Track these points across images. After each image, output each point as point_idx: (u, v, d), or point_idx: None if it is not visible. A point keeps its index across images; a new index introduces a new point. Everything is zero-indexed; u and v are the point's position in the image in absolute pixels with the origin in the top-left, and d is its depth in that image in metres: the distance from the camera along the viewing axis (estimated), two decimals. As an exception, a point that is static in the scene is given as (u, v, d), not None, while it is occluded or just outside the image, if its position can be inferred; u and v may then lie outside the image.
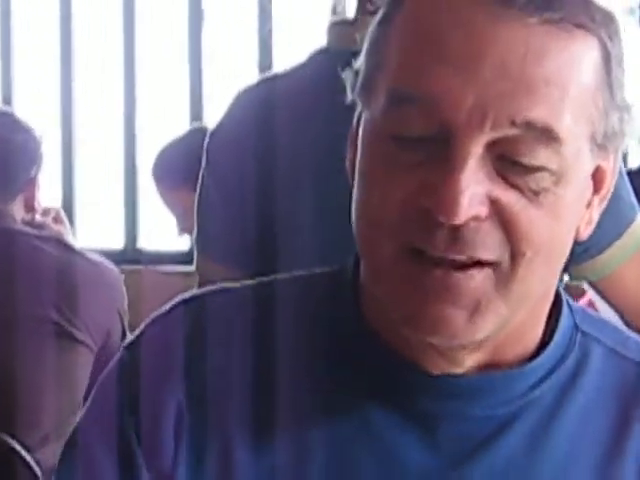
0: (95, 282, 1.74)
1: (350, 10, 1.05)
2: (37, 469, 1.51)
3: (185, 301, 0.63)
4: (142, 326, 0.64)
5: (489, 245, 0.51)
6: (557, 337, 0.60)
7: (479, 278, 0.51)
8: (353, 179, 0.58)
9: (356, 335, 0.60)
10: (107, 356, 1.63)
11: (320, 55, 1.12)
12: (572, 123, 0.51)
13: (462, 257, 0.51)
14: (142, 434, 0.59)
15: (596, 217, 0.58)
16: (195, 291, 0.69)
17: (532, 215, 0.51)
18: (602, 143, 0.53)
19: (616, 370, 0.62)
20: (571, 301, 0.64)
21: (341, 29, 1.09)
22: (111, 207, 3.24)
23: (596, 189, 0.56)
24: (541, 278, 0.54)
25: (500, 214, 0.51)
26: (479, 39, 0.50)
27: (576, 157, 0.52)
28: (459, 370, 0.57)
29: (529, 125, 0.50)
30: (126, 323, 1.78)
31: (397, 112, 0.52)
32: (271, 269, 0.87)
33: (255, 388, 0.59)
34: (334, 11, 1.22)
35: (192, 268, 1.27)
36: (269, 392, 0.59)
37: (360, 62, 0.57)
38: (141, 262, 2.96)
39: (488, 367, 0.58)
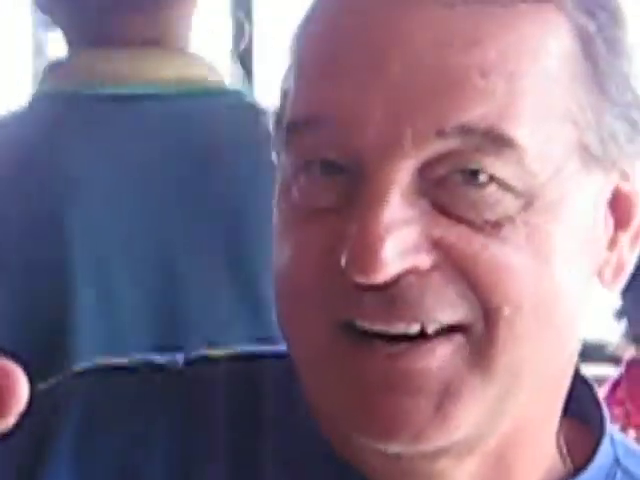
0: None
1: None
2: None
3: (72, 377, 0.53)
4: None
5: (446, 301, 0.41)
6: (591, 472, 0.50)
7: (444, 351, 0.41)
8: None
9: (311, 453, 0.49)
10: None
11: (43, 101, 0.90)
12: (535, 124, 0.42)
13: (412, 326, 0.40)
14: None
15: (630, 259, 0.47)
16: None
17: (498, 255, 0.41)
18: (604, 154, 0.43)
19: None
20: (616, 431, 0.54)
21: (63, 65, 0.92)
22: None
23: (620, 222, 0.46)
24: (537, 347, 0.43)
25: (452, 260, 0.41)
26: (381, 29, 0.42)
27: (557, 173, 0.42)
28: None
29: (465, 130, 0.40)
30: None
31: (297, 148, 0.43)
32: None
33: None
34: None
35: None
36: None
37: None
38: None
39: None
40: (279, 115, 0.45)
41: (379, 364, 0.40)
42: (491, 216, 0.39)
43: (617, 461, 0.51)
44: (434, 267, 0.39)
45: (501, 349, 0.40)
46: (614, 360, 1.90)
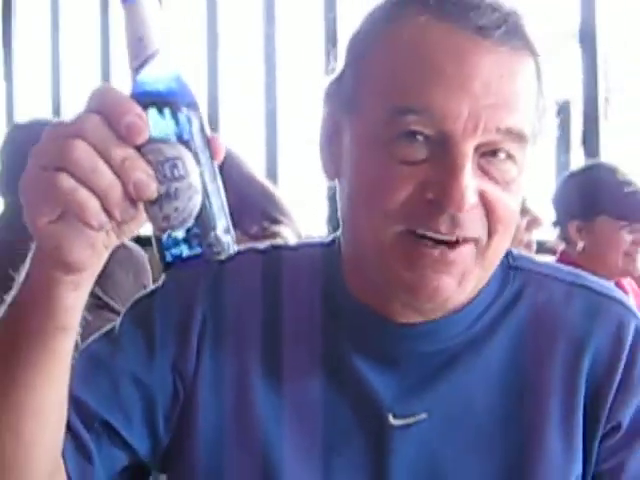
0: (124, 262, 2.16)
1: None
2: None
3: None
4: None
5: (475, 226, 0.61)
6: (489, 281, 0.68)
7: (465, 252, 0.61)
8: (333, 178, 0.67)
9: (342, 298, 0.70)
10: None
11: None
12: (529, 124, 0.62)
13: (455, 237, 0.60)
14: (173, 338, 0.69)
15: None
16: None
17: (506, 201, 0.61)
18: (534, 136, 0.63)
19: (548, 291, 0.71)
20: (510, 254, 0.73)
21: None
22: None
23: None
24: (505, 247, 0.66)
25: (484, 201, 0.61)
26: (468, 64, 0.58)
27: (527, 151, 0.63)
28: (422, 319, 0.68)
29: (509, 131, 0.59)
30: None
31: (400, 120, 0.59)
32: None
33: (264, 330, 0.69)
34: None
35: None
36: (276, 336, 0.69)
37: (339, 76, 0.65)
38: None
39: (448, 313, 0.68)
40: (356, 87, 0.62)
41: (435, 257, 0.60)
42: (508, 178, 0.59)
43: (509, 266, 0.70)
44: (474, 206, 0.59)
45: (491, 252, 0.62)
46: (552, 252, 2.23)
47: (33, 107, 3.87)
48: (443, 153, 0.59)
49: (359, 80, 0.64)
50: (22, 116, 3.49)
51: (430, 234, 0.60)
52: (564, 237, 2.16)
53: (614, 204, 2.02)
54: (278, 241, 1.93)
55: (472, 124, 0.58)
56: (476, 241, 0.62)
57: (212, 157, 0.52)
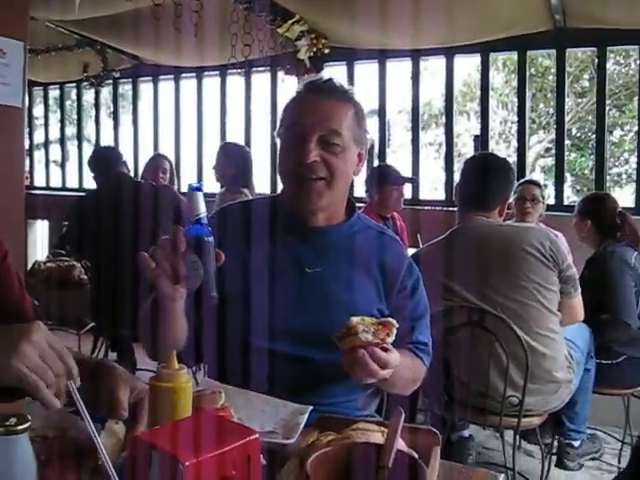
0: (164, 197, 3.94)
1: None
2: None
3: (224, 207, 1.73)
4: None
5: (321, 171, 1.56)
6: (351, 218, 1.69)
7: (320, 183, 1.57)
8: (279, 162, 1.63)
9: (283, 213, 1.62)
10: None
11: None
12: (346, 130, 1.59)
13: (314, 177, 1.54)
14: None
15: (362, 168, 1.68)
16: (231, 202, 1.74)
17: (334, 161, 1.57)
18: (358, 141, 1.64)
19: (370, 232, 1.73)
20: (357, 209, 1.73)
21: None
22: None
23: (360, 159, 1.67)
24: (342, 185, 1.62)
25: (323, 160, 1.56)
26: (314, 105, 1.59)
27: (349, 143, 1.60)
28: (319, 224, 1.62)
29: (331, 129, 1.56)
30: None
31: (290, 129, 1.61)
32: None
33: (250, 229, 1.50)
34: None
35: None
36: (254, 232, 1.52)
37: (278, 126, 1.65)
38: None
39: (329, 224, 1.66)
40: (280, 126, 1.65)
41: (311, 186, 1.61)
42: (335, 151, 1.60)
43: (358, 216, 1.77)
44: (320, 161, 1.59)
45: (334, 185, 1.62)
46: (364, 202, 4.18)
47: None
48: (304, 140, 1.52)
49: (281, 123, 1.64)
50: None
51: (305, 175, 1.52)
52: (370, 196, 4.30)
53: (389, 179, 4.20)
54: (242, 196, 4.40)
55: (314, 127, 1.51)
56: (323, 179, 1.52)
57: (215, 260, 1.21)
